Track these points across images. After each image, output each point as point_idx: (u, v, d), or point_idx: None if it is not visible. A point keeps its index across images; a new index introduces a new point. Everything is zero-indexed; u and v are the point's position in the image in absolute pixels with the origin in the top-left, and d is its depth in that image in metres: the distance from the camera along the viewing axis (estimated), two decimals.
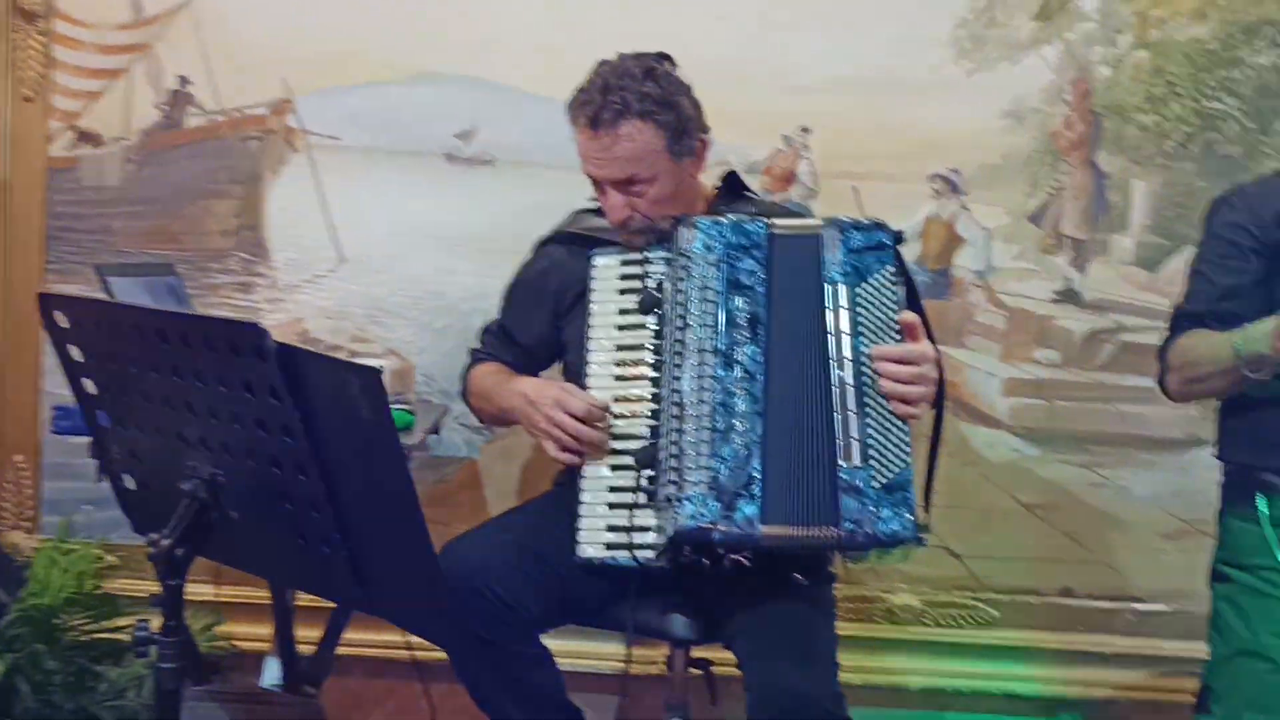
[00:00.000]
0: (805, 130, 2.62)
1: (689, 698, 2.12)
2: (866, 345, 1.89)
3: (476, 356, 2.28)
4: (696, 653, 2.14)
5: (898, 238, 1.94)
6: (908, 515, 1.85)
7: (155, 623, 1.54)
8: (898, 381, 1.86)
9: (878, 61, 2.62)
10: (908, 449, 1.87)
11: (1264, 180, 2.14)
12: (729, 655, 2.08)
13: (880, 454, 1.87)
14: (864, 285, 1.91)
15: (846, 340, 1.89)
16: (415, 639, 2.31)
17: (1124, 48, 2.61)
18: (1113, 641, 2.75)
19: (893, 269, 1.92)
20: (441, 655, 2.57)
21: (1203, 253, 2.11)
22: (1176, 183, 2.66)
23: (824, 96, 2.59)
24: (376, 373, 1.21)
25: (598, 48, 2.53)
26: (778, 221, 1.94)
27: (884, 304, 1.91)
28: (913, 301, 1.97)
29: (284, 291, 2.66)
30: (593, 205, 2.23)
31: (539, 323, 2.22)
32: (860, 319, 1.90)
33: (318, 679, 2.07)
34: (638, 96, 2.00)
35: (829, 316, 1.89)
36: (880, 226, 1.94)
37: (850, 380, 1.88)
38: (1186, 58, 2.61)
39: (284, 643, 2.09)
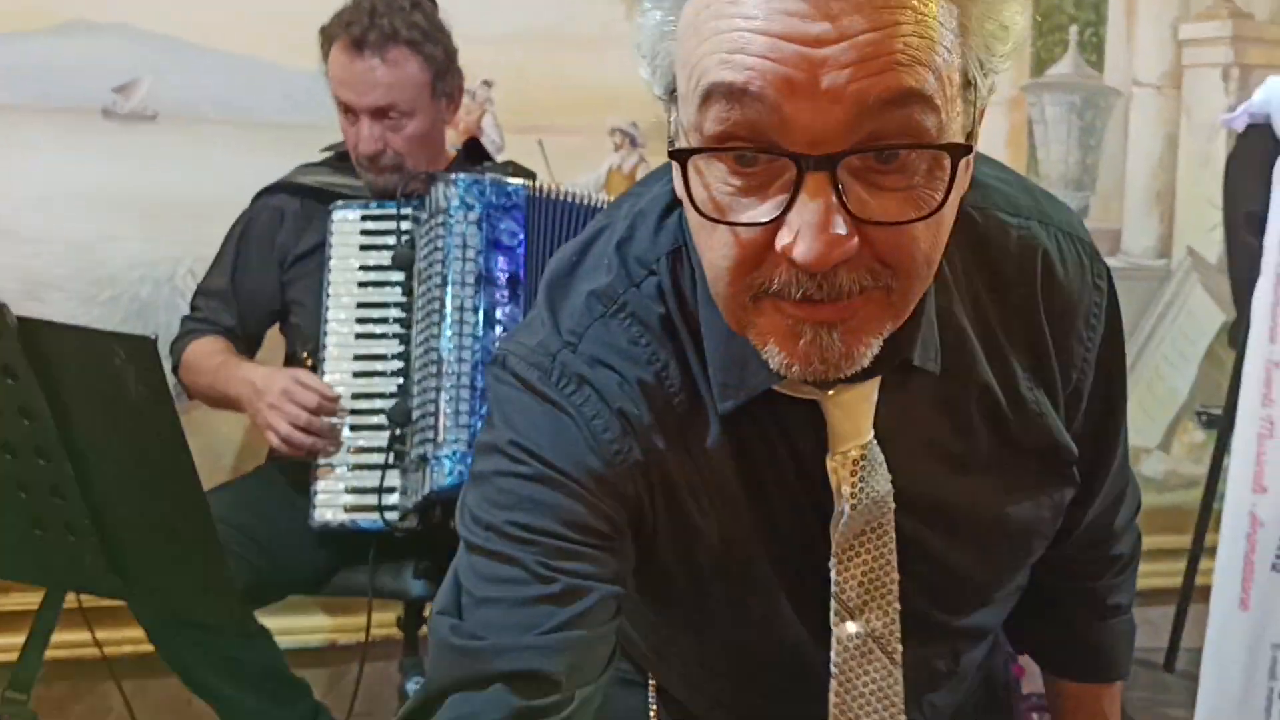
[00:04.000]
0: (487, 84, 2.63)
1: (424, 656, 2.13)
2: None
3: (191, 326, 2.13)
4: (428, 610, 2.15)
5: None
6: None
7: None
8: None
9: (551, 16, 2.67)
10: None
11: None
12: None
13: None
14: None
15: None
16: (103, 635, 2.17)
17: None
18: None
19: None
20: (132, 651, 2.43)
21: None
22: None
23: (501, 49, 2.60)
24: (149, 341, 1.13)
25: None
26: (549, 186, 1.95)
27: None
28: None
29: None
30: (320, 160, 2.15)
31: (267, 279, 2.11)
32: None
33: (26, 685, 1.88)
34: (406, 24, 1.94)
35: None
36: None
37: None
38: None
39: None
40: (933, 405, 0.91)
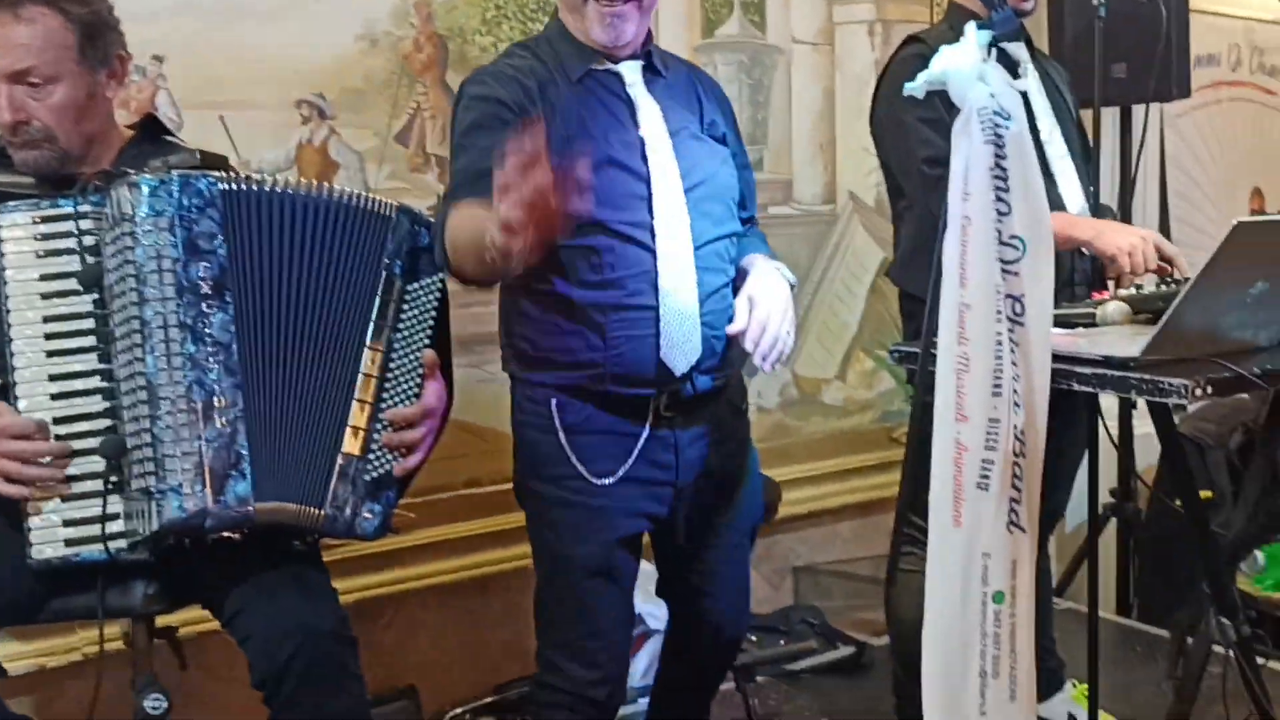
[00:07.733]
0: (158, 59, 2.47)
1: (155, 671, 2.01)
2: (400, 343, 1.92)
3: None
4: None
5: None
6: (386, 515, 1.93)
7: None
8: (402, 445, 1.91)
9: None
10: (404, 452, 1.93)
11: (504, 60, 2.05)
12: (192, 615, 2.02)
13: (379, 450, 1.90)
14: (414, 285, 1.94)
15: (386, 332, 1.90)
16: None
17: None
18: (512, 519, 3.04)
19: (441, 280, 1.97)
20: None
21: (458, 135, 1.98)
22: None
23: (172, 23, 2.45)
24: None
25: None
26: (243, 174, 1.86)
27: (424, 311, 1.95)
28: (444, 318, 2.02)
29: None
30: None
31: None
32: (402, 316, 1.92)
33: None
34: None
35: (377, 302, 1.88)
36: None
37: (375, 371, 1.88)
38: None
39: None
40: (669, 93, 2.07)
